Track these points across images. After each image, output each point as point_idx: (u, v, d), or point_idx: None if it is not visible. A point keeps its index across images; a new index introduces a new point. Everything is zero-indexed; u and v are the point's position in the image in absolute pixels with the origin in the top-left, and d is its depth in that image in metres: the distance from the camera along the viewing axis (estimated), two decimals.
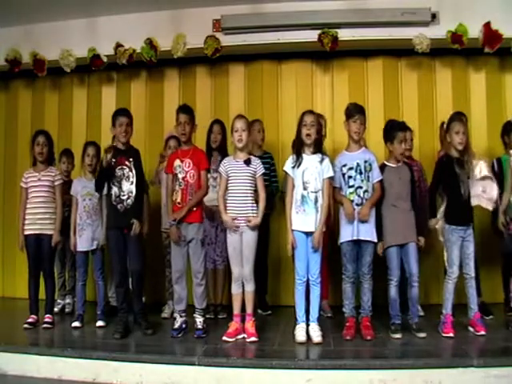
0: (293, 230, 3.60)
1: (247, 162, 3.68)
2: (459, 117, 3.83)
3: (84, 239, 4.15)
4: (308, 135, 3.59)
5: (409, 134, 4.14)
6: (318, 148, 3.67)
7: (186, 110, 3.90)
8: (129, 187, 3.81)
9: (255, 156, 3.88)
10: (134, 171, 3.84)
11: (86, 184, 4.22)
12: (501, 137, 4.35)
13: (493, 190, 3.80)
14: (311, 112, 3.69)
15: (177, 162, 3.83)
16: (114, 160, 3.83)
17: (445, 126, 3.90)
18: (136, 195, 3.82)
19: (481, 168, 3.78)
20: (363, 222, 3.59)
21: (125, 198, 3.80)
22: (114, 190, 3.82)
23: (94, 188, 4.17)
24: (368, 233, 3.62)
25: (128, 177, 3.82)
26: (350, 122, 3.72)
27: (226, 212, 3.65)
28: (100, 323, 4.09)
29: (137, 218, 3.81)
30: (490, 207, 3.85)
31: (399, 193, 3.71)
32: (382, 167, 3.77)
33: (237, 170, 3.67)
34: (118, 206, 3.80)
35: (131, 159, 3.86)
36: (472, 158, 3.74)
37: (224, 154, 4.42)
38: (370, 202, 3.62)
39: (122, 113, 3.93)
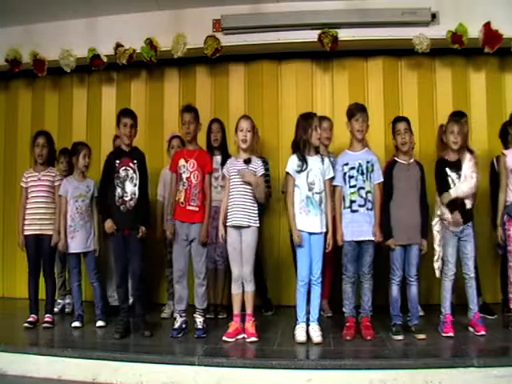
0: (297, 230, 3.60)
1: (247, 162, 3.68)
2: (455, 118, 3.80)
3: (77, 241, 4.10)
4: (320, 139, 3.65)
5: None
6: (317, 150, 3.70)
7: (189, 109, 3.89)
8: (132, 189, 3.80)
9: None
10: (137, 173, 3.83)
11: (78, 185, 4.16)
12: (499, 136, 4.35)
13: (464, 182, 3.64)
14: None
15: (181, 162, 3.82)
16: (117, 161, 3.83)
17: (444, 128, 3.87)
18: (139, 197, 3.81)
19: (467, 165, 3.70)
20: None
21: (127, 199, 3.79)
22: (118, 190, 3.80)
23: (85, 189, 4.15)
24: (368, 232, 3.63)
25: (132, 178, 3.81)
26: (353, 120, 3.72)
27: (224, 222, 3.67)
28: (100, 323, 4.08)
29: (140, 220, 3.81)
30: (453, 194, 3.65)
31: (406, 191, 3.67)
32: (392, 163, 3.75)
33: (237, 170, 3.68)
34: (121, 207, 3.79)
35: (135, 161, 3.85)
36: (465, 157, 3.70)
37: (225, 153, 4.42)
38: (378, 222, 3.64)
39: (126, 113, 3.90)
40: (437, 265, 3.71)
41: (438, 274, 3.73)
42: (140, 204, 3.82)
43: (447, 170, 3.68)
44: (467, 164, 3.67)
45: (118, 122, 3.89)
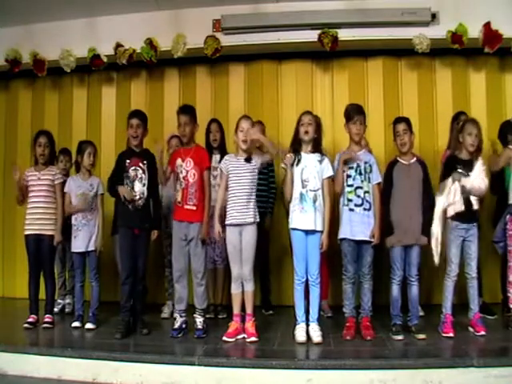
0: (292, 229, 3.61)
1: (248, 160, 3.69)
2: (474, 120, 3.76)
3: (80, 240, 4.09)
4: (306, 132, 3.61)
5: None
6: (316, 148, 3.68)
7: (184, 110, 3.90)
8: (141, 188, 3.85)
9: None
10: (147, 174, 3.87)
11: (81, 184, 4.15)
12: (498, 137, 4.34)
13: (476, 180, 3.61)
14: (309, 112, 3.73)
15: (178, 162, 3.84)
16: (127, 161, 3.87)
17: (459, 124, 3.83)
18: (148, 197, 3.87)
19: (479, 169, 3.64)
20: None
21: (136, 198, 3.83)
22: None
23: (88, 188, 4.14)
24: (364, 233, 3.62)
25: (141, 178, 3.86)
26: (350, 124, 3.73)
27: (219, 219, 3.68)
28: (89, 325, 3.98)
29: (148, 220, 3.87)
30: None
31: (407, 191, 3.66)
32: (393, 163, 3.75)
33: (237, 167, 3.68)
34: (130, 206, 3.83)
35: (145, 162, 3.89)
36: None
37: (224, 152, 4.42)
38: (379, 223, 3.63)
39: (132, 114, 3.95)
40: (436, 250, 3.54)
41: (436, 260, 3.55)
42: (149, 204, 3.88)
43: (458, 167, 3.64)
44: (479, 168, 3.61)
45: (127, 123, 3.93)
